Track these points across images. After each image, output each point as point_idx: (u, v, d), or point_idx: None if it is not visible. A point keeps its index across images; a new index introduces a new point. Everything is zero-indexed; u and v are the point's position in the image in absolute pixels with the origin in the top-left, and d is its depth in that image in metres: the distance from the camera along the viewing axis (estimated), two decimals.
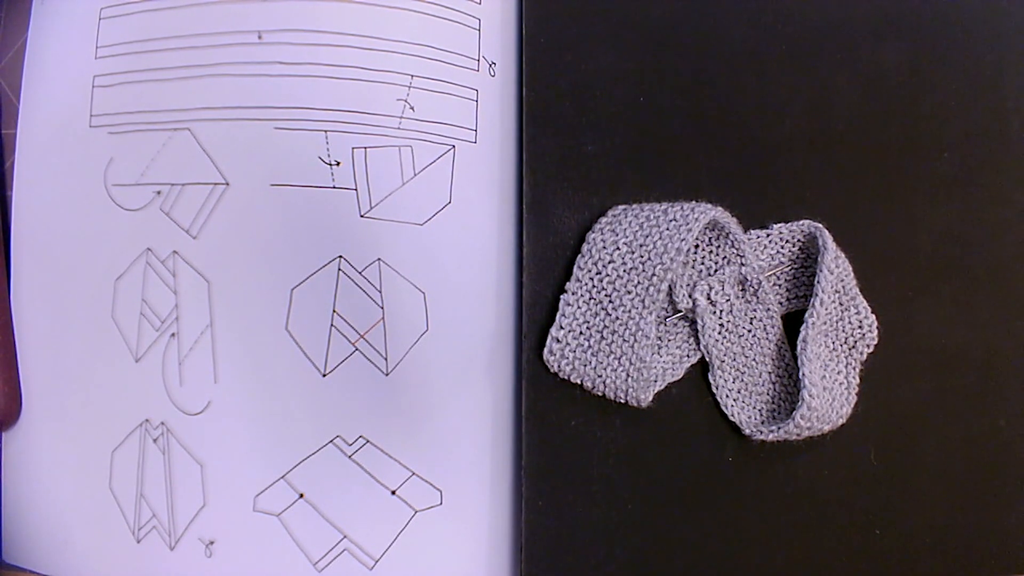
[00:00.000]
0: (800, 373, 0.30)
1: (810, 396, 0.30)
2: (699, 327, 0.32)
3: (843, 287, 0.31)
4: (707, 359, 0.32)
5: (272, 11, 0.32)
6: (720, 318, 0.32)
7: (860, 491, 0.32)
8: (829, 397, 0.31)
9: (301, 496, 0.31)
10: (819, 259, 0.31)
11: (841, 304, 0.31)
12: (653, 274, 0.30)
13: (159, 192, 0.32)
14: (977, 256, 0.34)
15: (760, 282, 0.32)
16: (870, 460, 0.33)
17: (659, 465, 0.32)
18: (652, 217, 0.31)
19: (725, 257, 0.32)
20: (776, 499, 0.32)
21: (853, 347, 0.32)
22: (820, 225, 0.32)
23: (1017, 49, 0.35)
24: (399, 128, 0.32)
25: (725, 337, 0.32)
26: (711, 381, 0.32)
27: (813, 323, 0.30)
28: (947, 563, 0.33)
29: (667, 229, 0.30)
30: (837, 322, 0.32)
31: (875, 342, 0.32)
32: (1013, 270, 0.34)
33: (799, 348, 0.31)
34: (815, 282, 0.31)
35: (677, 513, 0.32)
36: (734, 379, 0.32)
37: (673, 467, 0.32)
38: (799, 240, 0.32)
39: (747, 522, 0.32)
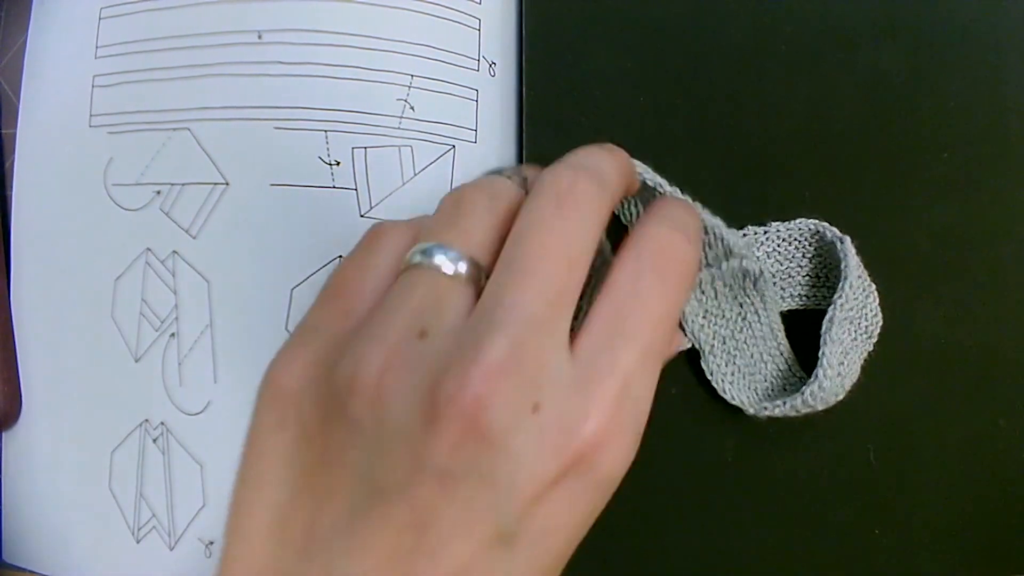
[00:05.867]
0: (820, 352, 0.30)
1: (824, 376, 0.30)
2: (681, 316, 0.32)
3: (864, 273, 0.31)
4: (696, 347, 0.32)
5: (272, 11, 0.32)
6: (704, 304, 0.32)
7: (860, 491, 0.32)
8: (839, 381, 0.31)
9: None
10: (839, 245, 0.31)
11: (864, 290, 0.31)
12: None
13: (159, 192, 0.32)
14: (977, 256, 0.34)
15: (760, 272, 0.31)
16: (870, 460, 0.33)
17: (658, 464, 0.32)
18: None
19: (716, 255, 0.32)
20: (775, 499, 0.32)
21: (870, 336, 0.32)
22: (818, 221, 0.32)
23: (1017, 49, 0.35)
24: (399, 128, 0.32)
25: (710, 323, 0.32)
26: (704, 368, 0.32)
27: (841, 304, 0.30)
28: (947, 563, 0.33)
29: None
30: (861, 308, 0.31)
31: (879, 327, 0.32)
32: (1013, 270, 0.34)
33: (824, 328, 0.30)
34: (842, 265, 0.31)
35: (675, 512, 0.32)
36: (726, 363, 0.32)
37: (672, 467, 0.32)
38: (795, 239, 0.32)
39: (746, 522, 0.32)
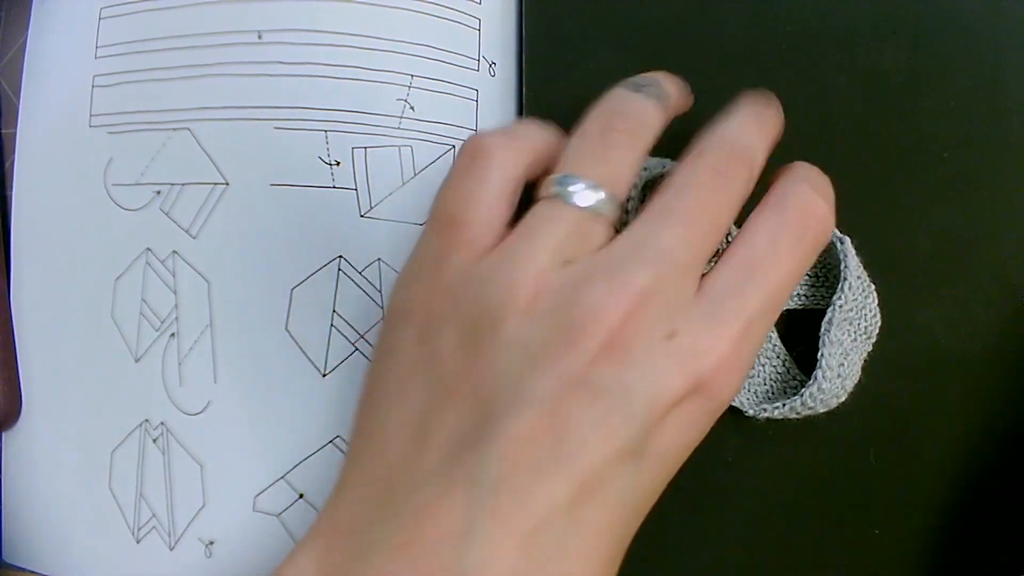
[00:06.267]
0: (819, 354, 0.30)
1: (823, 378, 0.30)
2: None
3: (863, 273, 0.31)
4: None
5: (272, 11, 0.32)
6: None
7: (859, 491, 0.32)
8: (840, 382, 0.31)
9: (301, 496, 0.31)
10: (839, 246, 0.31)
11: (863, 291, 0.31)
12: None
13: (159, 192, 0.32)
14: (977, 256, 0.34)
15: None
16: (870, 460, 0.33)
17: None
18: None
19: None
20: (776, 499, 0.32)
21: (869, 337, 0.32)
22: None
23: (1017, 49, 0.35)
24: (399, 128, 0.32)
25: None
26: None
27: (840, 306, 0.30)
28: (947, 563, 0.33)
29: None
30: (860, 309, 0.31)
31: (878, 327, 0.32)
32: (1013, 270, 0.34)
33: (823, 329, 0.30)
34: (841, 266, 0.30)
35: (675, 511, 0.32)
36: None
37: None
38: None
39: (746, 522, 0.32)
